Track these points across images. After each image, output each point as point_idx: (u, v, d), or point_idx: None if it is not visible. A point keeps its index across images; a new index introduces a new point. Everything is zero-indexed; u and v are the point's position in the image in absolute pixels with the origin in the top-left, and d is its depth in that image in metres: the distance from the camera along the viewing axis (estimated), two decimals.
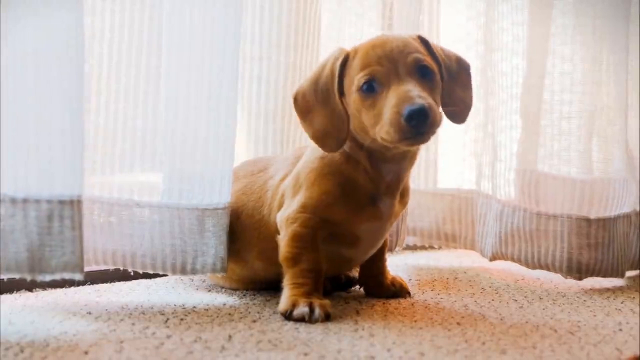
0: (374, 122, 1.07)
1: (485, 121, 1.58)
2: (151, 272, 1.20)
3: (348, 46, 1.14)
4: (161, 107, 1.19)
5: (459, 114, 1.17)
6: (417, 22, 1.51)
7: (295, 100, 1.15)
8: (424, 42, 1.14)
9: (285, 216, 1.15)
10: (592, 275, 1.43)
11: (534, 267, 1.47)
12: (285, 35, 1.41)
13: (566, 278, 1.45)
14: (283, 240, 1.14)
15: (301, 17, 1.43)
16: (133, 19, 1.20)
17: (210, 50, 1.17)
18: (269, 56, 1.40)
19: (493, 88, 1.54)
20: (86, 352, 0.90)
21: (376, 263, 1.27)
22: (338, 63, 1.12)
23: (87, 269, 1.29)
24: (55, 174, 1.02)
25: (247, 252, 1.22)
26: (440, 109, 1.12)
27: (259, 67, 1.41)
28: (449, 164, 1.72)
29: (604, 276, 1.44)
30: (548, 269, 1.46)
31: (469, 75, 1.19)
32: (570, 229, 1.43)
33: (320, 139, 1.13)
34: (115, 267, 1.20)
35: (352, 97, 1.10)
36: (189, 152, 1.18)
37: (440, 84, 1.12)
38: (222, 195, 1.20)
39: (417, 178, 1.64)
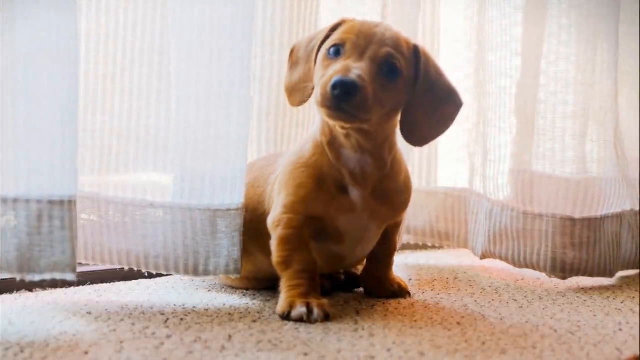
0: (317, 84, 1.08)
1: (477, 120, 1.58)
2: (164, 272, 1.21)
3: None
4: (173, 105, 1.19)
5: (418, 137, 1.16)
6: (415, 21, 1.51)
7: (291, 52, 1.19)
8: (415, 52, 1.13)
9: (272, 220, 1.15)
10: (577, 274, 1.44)
11: (520, 266, 1.48)
12: (278, 34, 1.41)
13: (550, 277, 1.46)
14: (273, 245, 1.15)
15: (295, 15, 1.43)
16: (145, 17, 1.20)
17: (222, 48, 1.17)
18: (263, 55, 1.40)
19: (487, 89, 1.53)
20: (86, 352, 0.90)
21: (381, 265, 1.27)
22: (330, 26, 1.14)
23: (87, 269, 1.30)
24: (45, 174, 1.02)
25: (252, 245, 1.22)
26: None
27: (253, 66, 1.40)
28: (443, 163, 1.71)
29: (590, 276, 1.45)
30: (533, 268, 1.46)
31: (454, 112, 1.16)
32: (555, 229, 1.43)
33: (289, 91, 1.18)
34: (129, 268, 1.21)
35: (320, 56, 1.11)
36: (200, 151, 1.18)
37: (402, 91, 1.11)
38: (234, 196, 1.19)
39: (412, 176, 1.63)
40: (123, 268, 1.22)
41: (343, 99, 1.02)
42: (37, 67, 1.01)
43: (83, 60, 1.16)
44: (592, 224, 1.44)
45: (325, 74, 1.06)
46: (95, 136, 1.19)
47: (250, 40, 1.20)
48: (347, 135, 1.12)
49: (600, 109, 1.50)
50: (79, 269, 1.21)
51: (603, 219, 1.46)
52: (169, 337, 0.98)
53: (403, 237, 1.67)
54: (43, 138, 1.02)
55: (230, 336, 0.99)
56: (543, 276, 1.51)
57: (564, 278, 1.44)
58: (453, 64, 1.65)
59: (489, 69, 1.52)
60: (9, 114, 1.00)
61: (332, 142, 1.14)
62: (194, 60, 1.17)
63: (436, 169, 1.68)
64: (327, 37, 1.13)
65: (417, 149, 1.63)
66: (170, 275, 1.32)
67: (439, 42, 1.63)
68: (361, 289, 1.31)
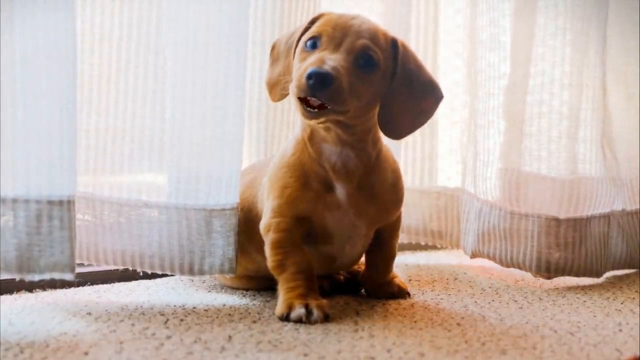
0: (294, 76, 1.07)
1: (470, 121, 1.58)
2: (160, 272, 1.21)
3: None
4: (168, 106, 1.19)
5: (395, 130, 1.15)
6: (408, 19, 1.51)
7: (273, 48, 1.20)
8: (393, 45, 1.13)
9: (263, 225, 1.16)
10: (562, 274, 1.45)
11: (507, 266, 1.48)
12: (269, 35, 1.41)
13: (535, 277, 1.47)
14: (267, 250, 1.15)
15: (286, 16, 1.42)
16: (141, 17, 1.20)
17: (217, 49, 1.17)
18: (253, 55, 1.40)
19: (482, 90, 1.53)
20: (86, 353, 0.90)
21: (380, 271, 1.26)
22: (309, 20, 1.14)
23: (87, 269, 1.30)
24: (44, 174, 1.02)
25: (249, 245, 1.23)
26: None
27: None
28: (443, 163, 1.71)
29: (577, 275, 1.45)
30: (519, 268, 1.47)
31: (433, 105, 1.16)
32: (540, 229, 1.44)
33: (270, 86, 1.18)
34: (124, 267, 1.21)
35: (298, 49, 1.12)
36: (195, 151, 1.18)
37: (379, 83, 1.10)
38: (229, 196, 1.19)
39: (404, 175, 1.62)
40: (123, 268, 1.22)
41: (318, 89, 1.02)
42: (36, 67, 1.01)
43: (78, 61, 1.16)
44: (578, 224, 1.45)
45: (301, 67, 1.06)
46: (90, 136, 1.20)
47: (246, 41, 1.20)
48: (327, 129, 1.12)
49: (587, 110, 1.51)
50: (79, 270, 1.22)
51: (589, 219, 1.47)
52: (168, 337, 0.98)
53: None
54: (42, 138, 1.02)
55: (230, 337, 0.99)
56: None
57: (549, 278, 1.46)
58: (453, 65, 1.66)
59: (484, 70, 1.52)
60: (8, 114, 1.00)
61: (312, 137, 1.14)
62: (189, 61, 1.17)
63: (431, 168, 1.68)
64: (305, 30, 1.13)
65: (415, 148, 1.64)
66: (169, 275, 1.32)
67: (434, 42, 1.62)
68: (362, 291, 1.31)
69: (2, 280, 1.19)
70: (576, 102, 1.49)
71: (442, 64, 1.65)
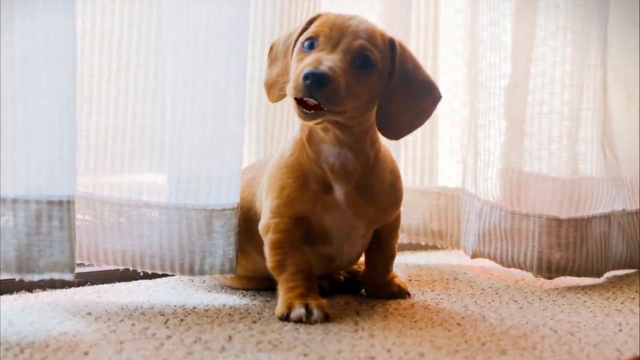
0: (292, 77, 1.07)
1: (470, 121, 1.58)
2: (160, 272, 1.21)
3: None
4: (169, 106, 1.19)
5: (393, 130, 1.15)
6: (408, 19, 1.52)
7: (271, 48, 1.20)
8: (391, 45, 1.13)
9: (262, 225, 1.16)
10: (563, 274, 1.45)
11: (508, 266, 1.48)
12: (269, 35, 1.41)
13: (536, 277, 1.47)
14: (266, 251, 1.15)
15: (286, 16, 1.43)
16: (141, 17, 1.20)
17: (217, 49, 1.17)
18: (253, 55, 1.40)
19: (482, 90, 1.53)
20: (86, 353, 0.90)
21: (380, 271, 1.26)
22: (307, 21, 1.14)
23: (87, 269, 1.30)
24: (44, 174, 1.02)
25: (248, 244, 1.23)
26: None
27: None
28: (444, 163, 1.71)
29: (577, 275, 1.46)
30: (520, 268, 1.47)
31: (431, 105, 1.16)
32: (541, 229, 1.44)
33: (268, 87, 1.18)
34: (124, 267, 1.21)
35: (295, 50, 1.11)
36: (196, 151, 1.19)
37: (377, 83, 1.10)
38: (229, 196, 1.20)
39: (404, 175, 1.63)
40: (123, 269, 1.22)
41: (315, 89, 1.02)
42: (36, 67, 1.01)
43: (78, 61, 1.16)
44: (579, 224, 1.45)
45: (298, 67, 1.06)
46: (91, 136, 1.20)
47: (247, 41, 1.20)
48: (325, 129, 1.12)
49: (588, 110, 1.51)
50: (79, 270, 1.22)
51: (590, 219, 1.47)
52: (169, 337, 0.98)
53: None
54: (42, 138, 1.02)
55: (230, 337, 0.99)
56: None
57: (550, 278, 1.46)
58: (453, 65, 1.66)
59: (485, 70, 1.52)
60: (8, 114, 1.00)
61: (310, 137, 1.14)
62: (189, 61, 1.17)
63: (432, 168, 1.68)
64: (303, 31, 1.13)
65: (415, 148, 1.64)
66: (169, 275, 1.32)
67: (434, 42, 1.62)
68: (362, 291, 1.31)
69: (2, 280, 1.19)
70: (577, 102, 1.49)
71: (442, 64, 1.65)
